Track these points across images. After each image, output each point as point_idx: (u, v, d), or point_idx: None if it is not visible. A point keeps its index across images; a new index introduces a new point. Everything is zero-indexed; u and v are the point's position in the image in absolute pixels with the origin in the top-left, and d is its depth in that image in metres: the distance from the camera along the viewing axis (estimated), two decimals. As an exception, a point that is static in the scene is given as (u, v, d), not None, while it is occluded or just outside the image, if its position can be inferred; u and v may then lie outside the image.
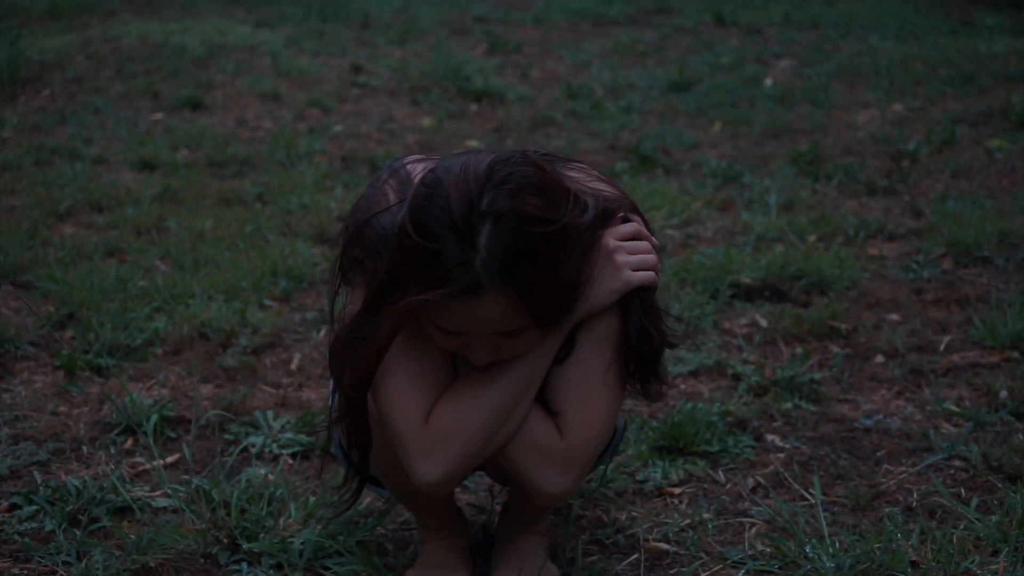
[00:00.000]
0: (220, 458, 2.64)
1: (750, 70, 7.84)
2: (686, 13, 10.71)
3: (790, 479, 2.58)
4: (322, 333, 3.44)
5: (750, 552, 2.28)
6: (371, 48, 8.94)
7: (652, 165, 5.41)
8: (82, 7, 10.36)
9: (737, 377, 3.10)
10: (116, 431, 2.80)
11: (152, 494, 2.49)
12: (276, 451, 2.70)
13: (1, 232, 4.22)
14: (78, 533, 2.30)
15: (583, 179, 1.90)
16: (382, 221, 1.80)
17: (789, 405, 2.93)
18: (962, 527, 2.30)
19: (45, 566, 2.22)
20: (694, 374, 3.14)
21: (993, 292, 3.67)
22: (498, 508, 2.43)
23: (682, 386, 3.08)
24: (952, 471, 2.60)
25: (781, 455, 2.70)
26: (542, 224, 1.69)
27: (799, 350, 3.25)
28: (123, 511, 2.41)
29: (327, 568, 2.21)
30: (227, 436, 2.78)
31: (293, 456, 2.69)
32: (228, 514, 2.32)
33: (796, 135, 6.01)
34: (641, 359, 1.91)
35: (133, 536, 2.24)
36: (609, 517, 2.41)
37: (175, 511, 2.42)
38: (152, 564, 2.18)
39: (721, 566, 2.24)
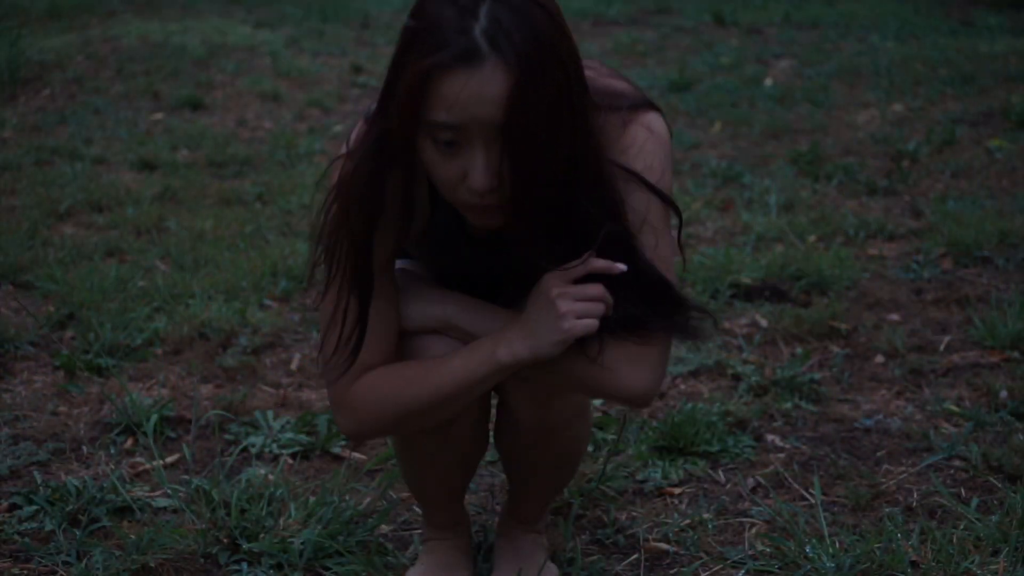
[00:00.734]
0: (220, 458, 2.64)
1: (750, 70, 7.84)
2: (686, 13, 10.71)
3: (790, 479, 2.58)
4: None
5: (750, 552, 2.28)
6: (371, 48, 8.94)
7: (652, 165, 5.40)
8: (82, 7, 10.35)
9: (737, 377, 3.10)
10: (116, 431, 2.80)
11: (152, 494, 2.49)
12: (276, 451, 2.70)
13: (1, 232, 4.22)
14: (78, 533, 2.30)
15: (593, 76, 1.78)
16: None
17: (789, 405, 2.93)
18: (962, 527, 2.30)
19: (45, 566, 2.22)
20: (694, 374, 3.14)
21: (993, 292, 3.67)
22: (498, 508, 2.43)
23: (682, 386, 3.08)
24: (952, 471, 2.60)
25: (781, 455, 2.70)
26: (546, 10, 1.63)
27: (799, 350, 3.25)
28: (123, 511, 2.41)
29: (327, 568, 2.21)
30: (227, 436, 2.78)
31: (293, 456, 2.69)
32: (228, 514, 2.32)
33: (796, 135, 6.01)
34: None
35: (133, 536, 2.24)
36: (609, 517, 2.41)
37: (175, 511, 2.42)
38: (152, 564, 2.18)
39: (721, 566, 2.24)
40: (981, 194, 4.78)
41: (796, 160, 5.37)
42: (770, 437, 2.79)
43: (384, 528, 2.39)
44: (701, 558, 2.27)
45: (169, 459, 2.67)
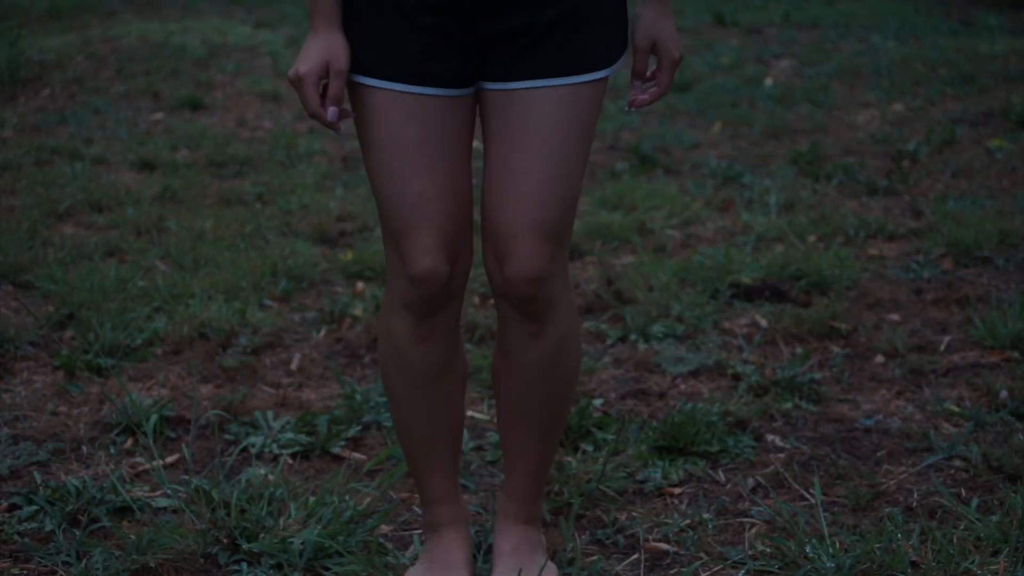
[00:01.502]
0: (220, 458, 2.64)
1: (750, 70, 7.83)
2: (686, 13, 10.71)
3: (790, 479, 2.58)
4: (322, 333, 3.44)
5: (750, 552, 2.28)
6: (371, 48, 8.93)
7: (652, 165, 5.42)
8: (82, 7, 10.35)
9: (737, 377, 3.10)
10: (116, 431, 2.80)
11: (152, 494, 2.49)
12: (276, 451, 2.70)
13: (1, 232, 4.22)
14: (78, 533, 2.30)
15: None
16: None
17: (789, 405, 2.93)
18: (962, 527, 2.30)
19: (45, 566, 2.22)
20: (694, 374, 3.14)
21: (993, 292, 3.67)
22: (497, 510, 2.43)
23: (682, 386, 3.08)
24: (952, 471, 2.60)
25: (781, 455, 2.70)
26: None
27: (799, 350, 3.25)
28: (123, 511, 2.41)
29: (327, 568, 2.21)
30: (227, 436, 2.78)
31: (293, 456, 2.69)
32: (228, 514, 2.32)
33: (796, 135, 6.01)
34: None
35: (133, 536, 2.24)
36: (609, 517, 2.41)
37: (175, 511, 2.42)
38: (152, 564, 2.18)
39: (721, 566, 2.24)
40: (981, 194, 4.78)
41: (796, 160, 5.37)
42: (770, 437, 2.79)
43: (384, 528, 2.39)
44: (701, 558, 2.27)
45: (169, 459, 2.67)
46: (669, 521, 2.40)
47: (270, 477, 2.52)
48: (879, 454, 2.70)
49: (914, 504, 2.45)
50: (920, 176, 5.12)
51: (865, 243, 4.24)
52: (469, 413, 2.91)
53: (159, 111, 6.67)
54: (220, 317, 3.43)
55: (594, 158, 5.49)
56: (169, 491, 2.47)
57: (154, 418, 2.76)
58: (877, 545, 2.20)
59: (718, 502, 2.49)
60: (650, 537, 2.35)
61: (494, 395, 2.21)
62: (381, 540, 2.32)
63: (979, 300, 3.62)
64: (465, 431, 2.78)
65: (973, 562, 2.16)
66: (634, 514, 2.44)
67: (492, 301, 3.65)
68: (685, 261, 3.94)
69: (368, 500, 2.46)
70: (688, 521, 2.40)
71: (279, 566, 2.22)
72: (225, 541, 2.27)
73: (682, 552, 2.30)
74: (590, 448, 2.70)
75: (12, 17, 9.03)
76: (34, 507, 2.40)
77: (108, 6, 10.66)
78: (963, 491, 2.50)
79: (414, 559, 2.24)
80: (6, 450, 2.68)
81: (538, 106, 1.96)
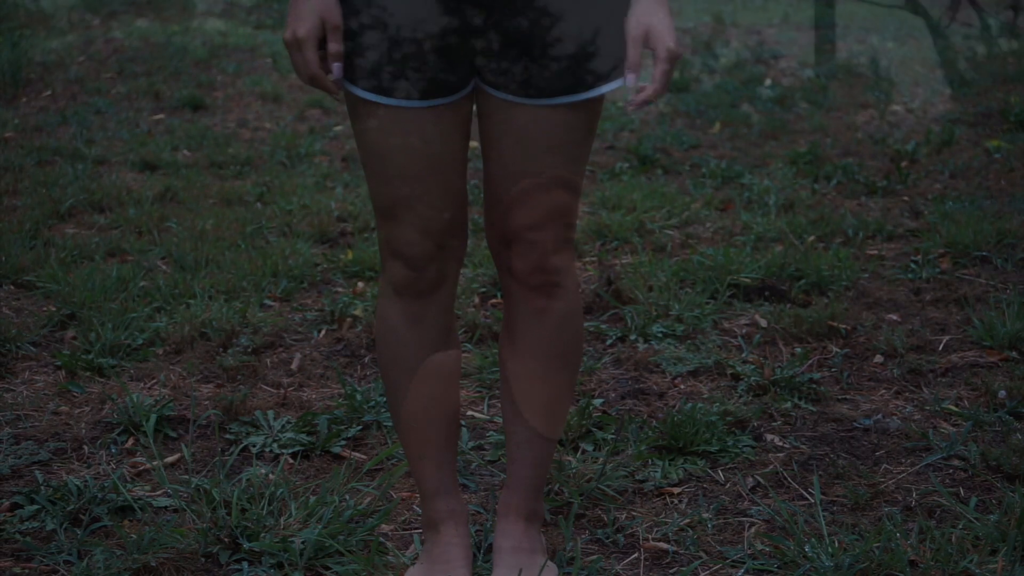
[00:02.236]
0: (220, 458, 2.65)
1: (750, 70, 7.84)
2: (686, 13, 10.71)
3: (789, 479, 2.59)
4: (322, 333, 3.44)
5: (749, 552, 2.28)
6: (371, 48, 8.94)
7: (652, 165, 5.42)
8: (83, 7, 10.36)
9: (737, 377, 3.11)
10: (117, 431, 2.80)
11: (153, 494, 2.50)
12: (276, 451, 2.71)
13: (3, 232, 4.23)
14: (79, 532, 2.31)
15: None
16: None
17: (789, 405, 2.94)
18: (961, 527, 2.31)
19: (46, 565, 2.23)
20: (694, 374, 3.15)
21: (992, 292, 3.68)
22: (498, 508, 2.43)
23: (682, 386, 3.09)
24: (951, 471, 2.61)
25: (780, 455, 2.71)
26: None
27: (798, 350, 3.26)
28: (124, 511, 2.42)
29: (327, 568, 2.22)
30: (227, 436, 2.78)
31: (293, 456, 2.70)
32: (228, 514, 2.33)
33: (795, 135, 6.02)
34: None
35: (134, 535, 2.25)
36: (609, 517, 2.42)
37: (176, 511, 2.42)
38: (153, 563, 2.18)
39: (721, 566, 2.25)
40: (979, 194, 4.78)
41: (795, 160, 5.38)
42: (769, 437, 2.80)
43: (384, 528, 2.39)
44: (701, 557, 2.28)
45: (169, 459, 2.68)
46: (669, 520, 2.41)
47: (271, 477, 2.53)
48: (878, 454, 2.71)
49: (913, 503, 2.46)
50: (919, 176, 5.13)
51: (864, 243, 4.25)
52: (469, 413, 2.92)
53: (160, 112, 6.68)
54: (221, 317, 3.44)
55: (594, 158, 5.49)
56: (170, 490, 2.48)
57: (155, 418, 2.76)
58: (876, 544, 2.20)
59: (717, 501, 2.49)
60: (650, 536, 2.36)
61: (500, 383, 2.21)
62: (381, 540, 2.33)
63: (977, 300, 3.63)
64: (465, 431, 2.79)
65: (972, 561, 2.16)
66: (634, 513, 2.45)
67: (492, 301, 3.67)
68: (685, 261, 3.95)
69: (368, 500, 2.47)
70: (687, 520, 2.40)
71: (280, 565, 2.22)
72: (226, 540, 2.28)
73: (682, 551, 2.31)
74: (590, 448, 2.70)
75: (14, 18, 9.04)
76: (35, 506, 2.41)
77: (109, 7, 10.66)
78: (962, 490, 2.51)
79: (414, 559, 2.24)
80: (8, 449, 2.69)
81: (541, 114, 1.97)
